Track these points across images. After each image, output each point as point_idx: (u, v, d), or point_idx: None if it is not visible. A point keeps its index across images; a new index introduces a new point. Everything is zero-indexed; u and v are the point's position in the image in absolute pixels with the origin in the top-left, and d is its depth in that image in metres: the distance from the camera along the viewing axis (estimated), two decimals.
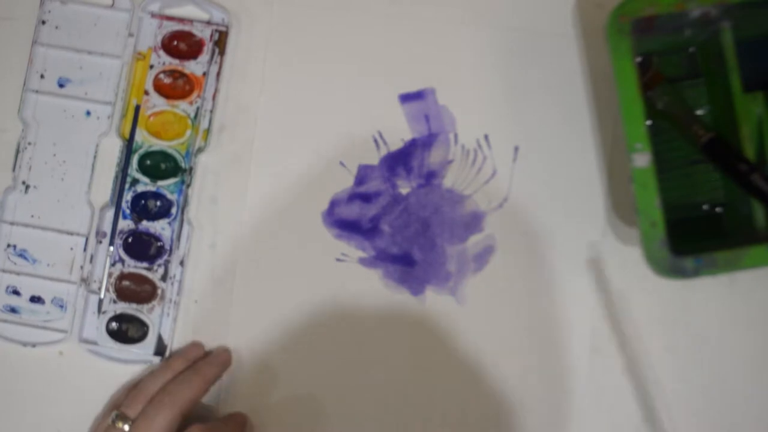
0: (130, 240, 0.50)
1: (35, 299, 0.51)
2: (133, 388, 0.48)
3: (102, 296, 0.50)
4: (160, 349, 0.50)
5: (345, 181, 0.51)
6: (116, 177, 0.51)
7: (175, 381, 0.47)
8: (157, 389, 0.47)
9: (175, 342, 0.50)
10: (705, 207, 0.50)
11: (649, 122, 0.44)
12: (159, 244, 0.50)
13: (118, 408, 0.46)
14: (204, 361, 0.49)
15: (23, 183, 0.51)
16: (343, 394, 0.50)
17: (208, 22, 0.51)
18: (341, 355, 0.50)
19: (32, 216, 0.51)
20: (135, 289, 0.50)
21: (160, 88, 0.51)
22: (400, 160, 0.51)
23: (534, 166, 0.50)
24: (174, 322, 0.50)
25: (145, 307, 0.50)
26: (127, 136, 0.51)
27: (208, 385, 0.48)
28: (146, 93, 0.51)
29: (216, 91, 0.51)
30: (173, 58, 0.51)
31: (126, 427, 0.45)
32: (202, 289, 0.51)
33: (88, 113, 0.51)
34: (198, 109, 0.51)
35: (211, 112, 0.51)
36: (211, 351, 0.50)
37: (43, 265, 0.51)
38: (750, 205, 0.47)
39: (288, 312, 0.50)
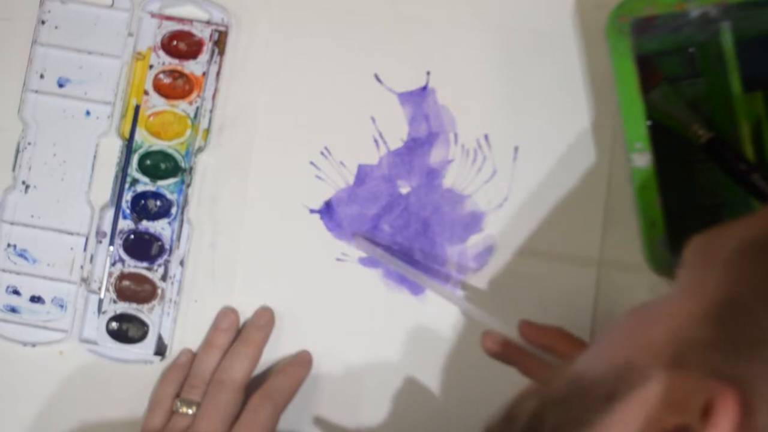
0: (130, 240, 0.50)
1: (35, 299, 0.51)
2: (167, 378, 0.48)
3: (102, 296, 0.50)
4: (160, 348, 0.50)
5: (345, 181, 0.51)
6: (116, 177, 0.51)
7: (229, 357, 0.47)
8: (211, 370, 0.47)
9: (175, 342, 0.50)
10: (705, 207, 0.50)
11: (649, 122, 0.44)
12: (159, 243, 0.50)
13: (178, 396, 0.47)
14: (249, 328, 0.49)
15: (23, 183, 0.51)
16: (342, 394, 0.50)
17: (208, 22, 0.51)
18: (341, 354, 0.50)
19: (32, 216, 0.51)
20: (135, 289, 0.51)
21: (159, 88, 0.51)
22: (400, 160, 0.51)
23: (534, 166, 0.50)
24: (174, 321, 0.50)
25: (145, 306, 0.50)
26: (127, 136, 0.51)
27: (260, 351, 0.48)
28: (146, 93, 0.51)
29: (216, 90, 0.51)
30: (173, 58, 0.51)
31: (190, 411, 0.46)
32: (202, 289, 0.51)
33: (88, 113, 0.51)
34: (198, 108, 0.51)
35: (211, 111, 0.51)
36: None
37: (43, 264, 0.51)
38: (750, 205, 0.47)
39: (287, 312, 0.50)
